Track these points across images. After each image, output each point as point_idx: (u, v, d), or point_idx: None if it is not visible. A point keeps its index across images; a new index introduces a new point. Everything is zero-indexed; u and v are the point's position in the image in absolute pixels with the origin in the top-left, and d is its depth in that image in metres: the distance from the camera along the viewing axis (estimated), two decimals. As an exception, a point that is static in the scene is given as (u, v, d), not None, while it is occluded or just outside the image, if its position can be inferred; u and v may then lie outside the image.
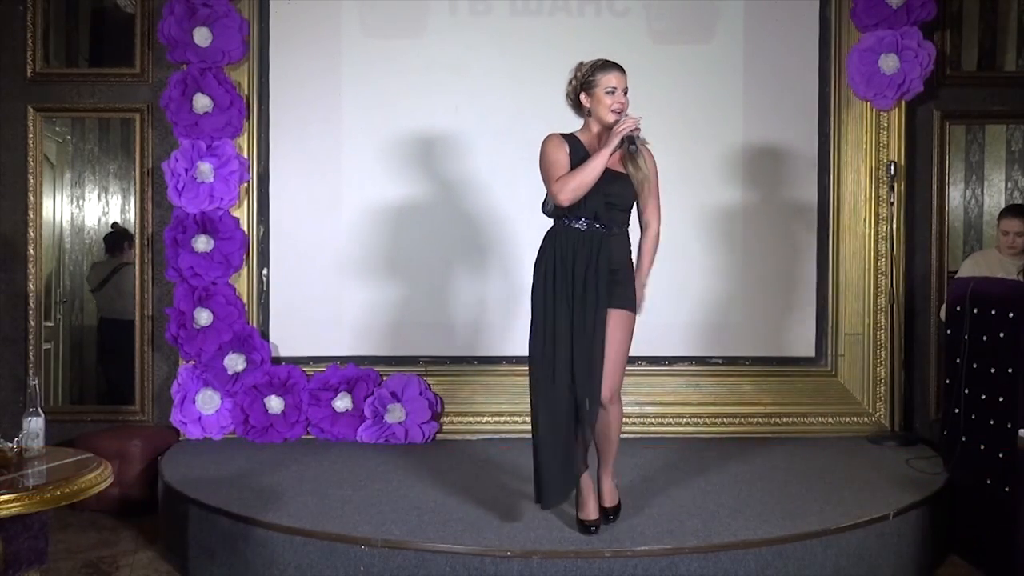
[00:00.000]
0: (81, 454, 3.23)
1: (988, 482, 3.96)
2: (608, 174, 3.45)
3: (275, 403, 5.02)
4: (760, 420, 5.17)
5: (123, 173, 5.38)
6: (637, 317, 3.60)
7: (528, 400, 3.58)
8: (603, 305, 3.47)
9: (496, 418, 5.13)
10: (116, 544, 4.37)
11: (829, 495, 4.04)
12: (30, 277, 5.26)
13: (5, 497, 2.75)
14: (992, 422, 3.95)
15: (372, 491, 4.11)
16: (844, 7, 5.22)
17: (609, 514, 3.71)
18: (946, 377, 4.28)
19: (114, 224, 5.40)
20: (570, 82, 3.58)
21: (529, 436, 3.57)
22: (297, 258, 5.26)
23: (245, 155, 5.16)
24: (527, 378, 3.59)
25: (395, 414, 5.04)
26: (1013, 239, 4.79)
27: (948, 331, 4.26)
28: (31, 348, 5.25)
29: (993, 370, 3.95)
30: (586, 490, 3.61)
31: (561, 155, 3.50)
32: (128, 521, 4.65)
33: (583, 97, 3.54)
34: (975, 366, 4.05)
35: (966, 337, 4.10)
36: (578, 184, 3.42)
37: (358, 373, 5.12)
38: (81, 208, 5.41)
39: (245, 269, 5.19)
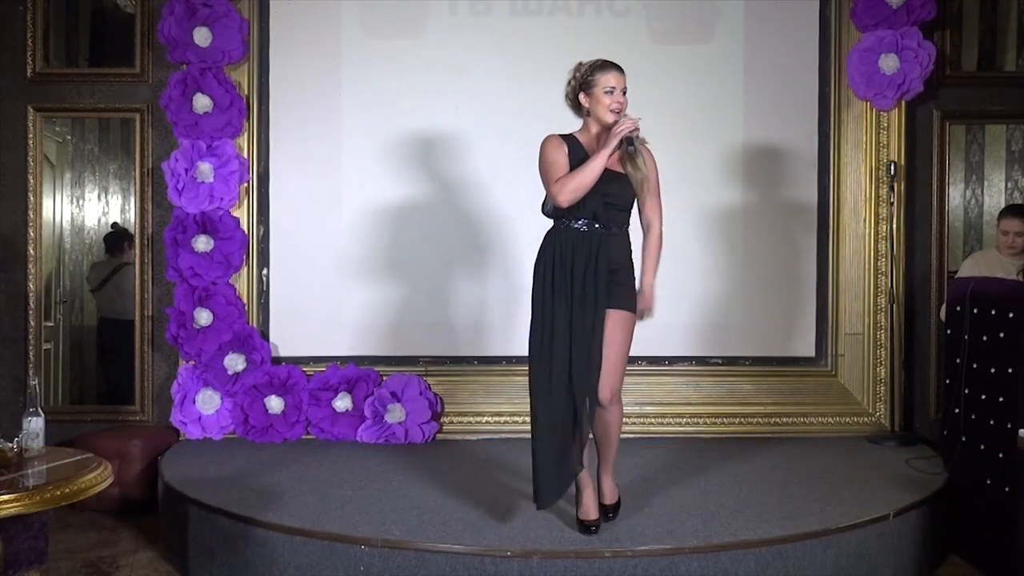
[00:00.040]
0: (81, 454, 3.23)
1: (988, 482, 3.96)
2: (607, 174, 3.45)
3: (275, 403, 5.02)
4: (760, 420, 5.17)
5: (123, 173, 5.38)
6: (648, 319, 3.58)
7: (528, 400, 3.58)
8: (602, 305, 3.47)
9: (496, 418, 5.13)
10: (116, 544, 4.37)
11: (829, 495, 4.04)
12: (30, 277, 5.26)
13: (5, 497, 2.75)
14: (992, 422, 3.95)
15: (372, 491, 4.11)
16: (844, 7, 5.22)
17: (609, 511, 3.73)
18: (946, 377, 4.28)
19: (114, 224, 5.40)
20: (569, 82, 3.58)
21: (529, 436, 3.57)
22: (297, 258, 5.26)
23: (245, 155, 5.16)
24: (527, 378, 3.59)
25: (395, 414, 5.04)
26: (1013, 239, 4.79)
27: (948, 331, 4.26)
28: (31, 348, 5.25)
29: (993, 370, 3.95)
30: (586, 490, 3.62)
31: (560, 156, 3.51)
32: (128, 521, 4.65)
33: (582, 97, 3.54)
34: (975, 366, 4.05)
35: (966, 337, 4.10)
36: (577, 185, 3.42)
37: (358, 373, 5.12)
38: (81, 208, 5.41)
39: (245, 269, 5.19)
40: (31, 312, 5.26)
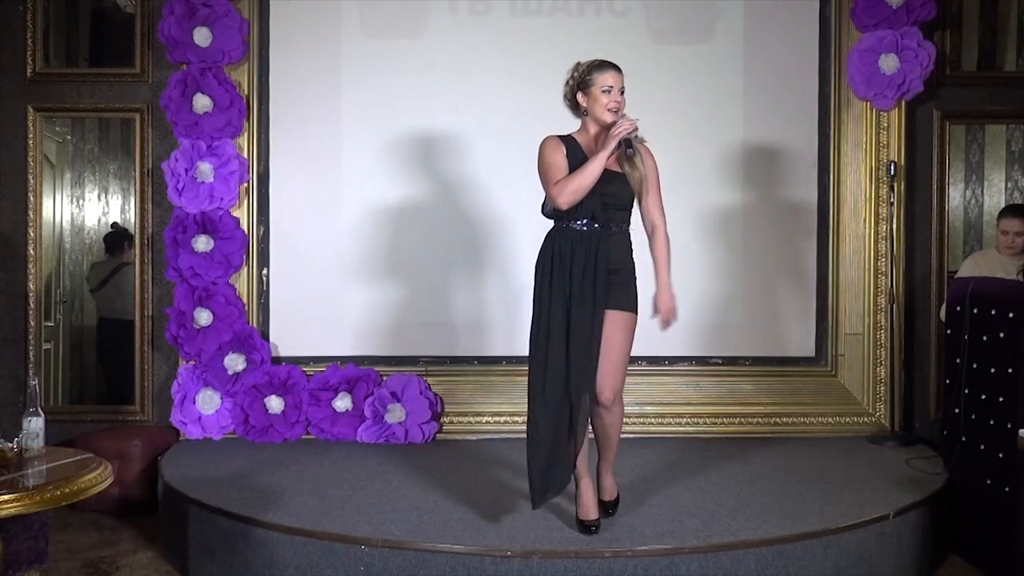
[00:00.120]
0: (81, 454, 3.23)
1: (988, 482, 3.96)
2: (605, 174, 3.44)
3: (275, 403, 5.02)
4: (760, 420, 5.17)
5: (123, 173, 5.38)
6: (673, 323, 3.55)
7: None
8: (600, 305, 3.47)
9: (496, 418, 5.13)
10: (116, 544, 4.37)
11: (829, 495, 4.04)
12: (30, 277, 5.26)
13: (5, 497, 2.75)
14: (992, 422, 3.95)
15: (372, 491, 4.11)
16: (844, 7, 5.22)
17: (608, 508, 3.74)
18: (946, 377, 4.28)
19: (114, 224, 5.40)
20: (567, 82, 3.58)
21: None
22: (297, 258, 5.26)
23: (245, 155, 5.16)
24: (527, 378, 3.59)
25: (395, 414, 5.04)
26: (1012, 239, 4.79)
27: (948, 331, 4.26)
28: (31, 348, 5.25)
29: (993, 370, 3.95)
30: (585, 490, 3.62)
31: (559, 157, 3.51)
32: (128, 521, 4.65)
33: (580, 97, 3.54)
34: (975, 366, 4.05)
35: (966, 337, 4.10)
36: (576, 187, 3.42)
37: (358, 373, 5.12)
38: (81, 208, 5.41)
39: (245, 269, 5.19)
40: (31, 312, 5.26)
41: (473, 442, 5.04)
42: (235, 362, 5.07)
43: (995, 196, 5.45)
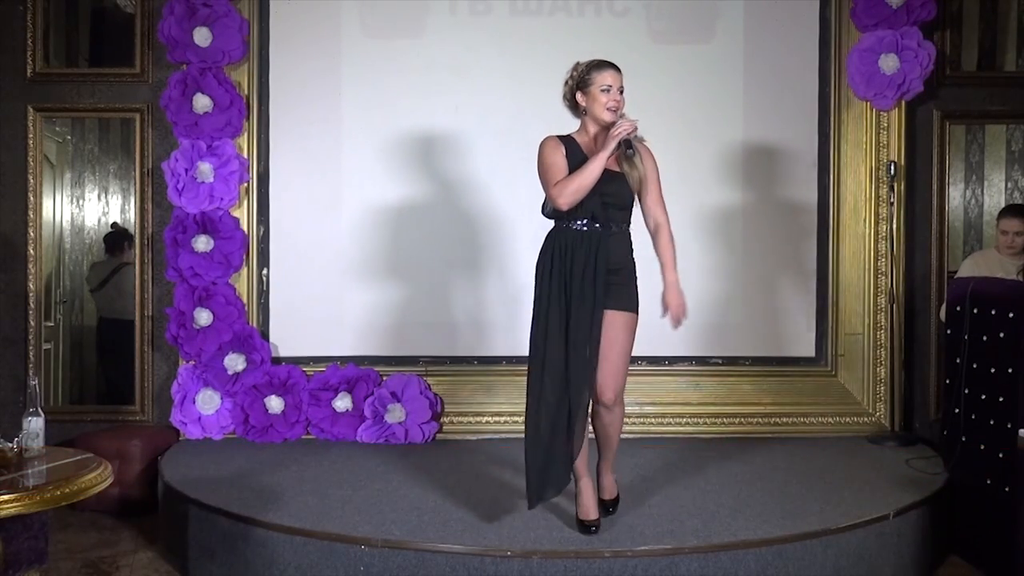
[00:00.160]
0: (81, 454, 3.23)
1: (988, 482, 3.96)
2: (604, 174, 3.44)
3: (275, 403, 5.02)
4: (760, 420, 5.17)
5: (123, 173, 5.38)
6: (684, 321, 3.54)
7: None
8: (599, 305, 3.47)
9: (496, 418, 5.13)
10: (116, 544, 4.37)
11: (829, 495, 4.04)
12: (30, 277, 5.26)
13: (5, 497, 2.75)
14: (992, 422, 3.95)
15: (372, 491, 4.11)
16: (844, 7, 5.22)
17: (608, 506, 3.75)
18: (946, 377, 4.28)
19: (114, 224, 5.40)
20: (566, 82, 3.58)
21: (529, 436, 3.58)
22: (297, 258, 5.26)
23: (245, 155, 5.16)
24: (526, 377, 3.59)
25: (395, 414, 5.04)
26: (1012, 239, 4.79)
27: (948, 331, 4.26)
28: (31, 348, 5.25)
29: (993, 370, 3.95)
30: (585, 490, 3.62)
31: (558, 158, 3.51)
32: (128, 521, 4.65)
33: (579, 96, 3.54)
34: (975, 366, 4.05)
35: (966, 337, 4.10)
36: (577, 188, 3.42)
37: (358, 373, 5.12)
38: (81, 208, 5.41)
39: (245, 269, 5.19)
40: (31, 312, 5.26)
41: (473, 442, 5.04)
42: (235, 362, 5.07)
43: (995, 196, 5.45)
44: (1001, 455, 3.89)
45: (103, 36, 5.45)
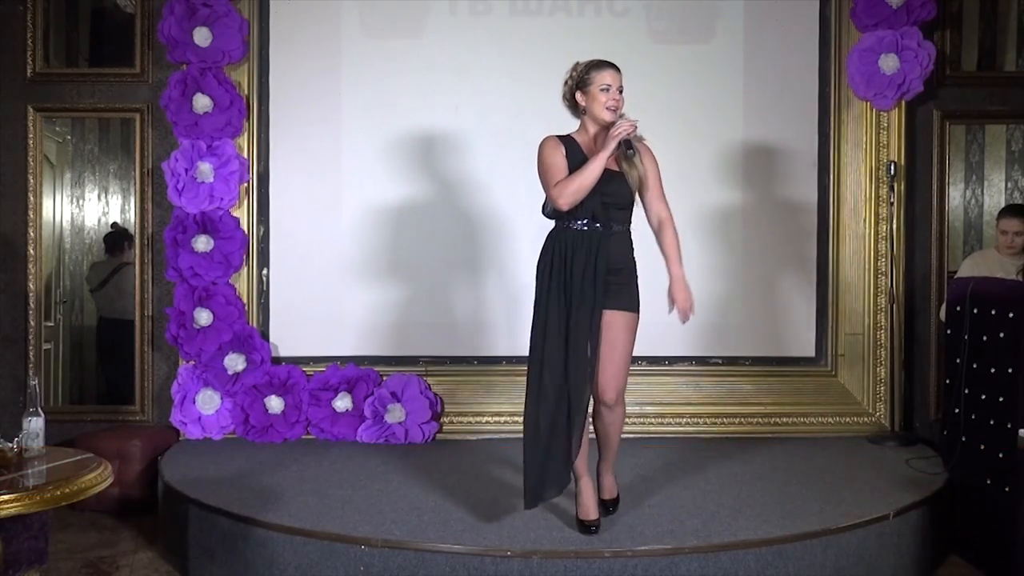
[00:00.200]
0: (81, 454, 3.23)
1: (988, 482, 3.96)
2: (604, 173, 3.44)
3: (275, 403, 5.02)
4: (760, 420, 5.17)
5: (123, 173, 5.38)
6: (692, 315, 3.53)
7: (525, 400, 3.59)
8: (599, 305, 3.47)
9: (496, 418, 5.13)
10: (116, 544, 4.37)
11: (829, 495, 4.04)
12: (30, 277, 5.26)
13: (5, 497, 2.75)
14: (992, 422, 3.95)
15: (372, 491, 4.11)
16: (844, 7, 5.22)
17: (609, 506, 3.75)
18: (946, 377, 4.28)
19: (114, 224, 5.40)
20: (566, 82, 3.58)
21: (529, 437, 3.58)
22: (297, 258, 5.26)
23: (245, 155, 5.16)
24: (526, 376, 3.59)
25: (395, 414, 5.04)
26: (1012, 239, 4.79)
27: (948, 331, 4.26)
28: (31, 348, 5.25)
29: (993, 370, 3.95)
30: (585, 490, 3.62)
31: (558, 158, 3.51)
32: (128, 521, 4.65)
33: (579, 96, 3.54)
34: (975, 366, 4.05)
35: (966, 337, 4.10)
36: (577, 188, 3.42)
37: (358, 373, 5.12)
38: (81, 208, 5.41)
39: (245, 269, 5.19)
40: (31, 312, 5.26)
41: (473, 442, 5.04)
42: (235, 362, 5.07)
43: (995, 196, 5.45)
44: (1001, 455, 3.89)
45: (103, 36, 5.45)
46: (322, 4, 5.26)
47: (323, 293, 5.23)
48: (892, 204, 5.16)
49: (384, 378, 5.15)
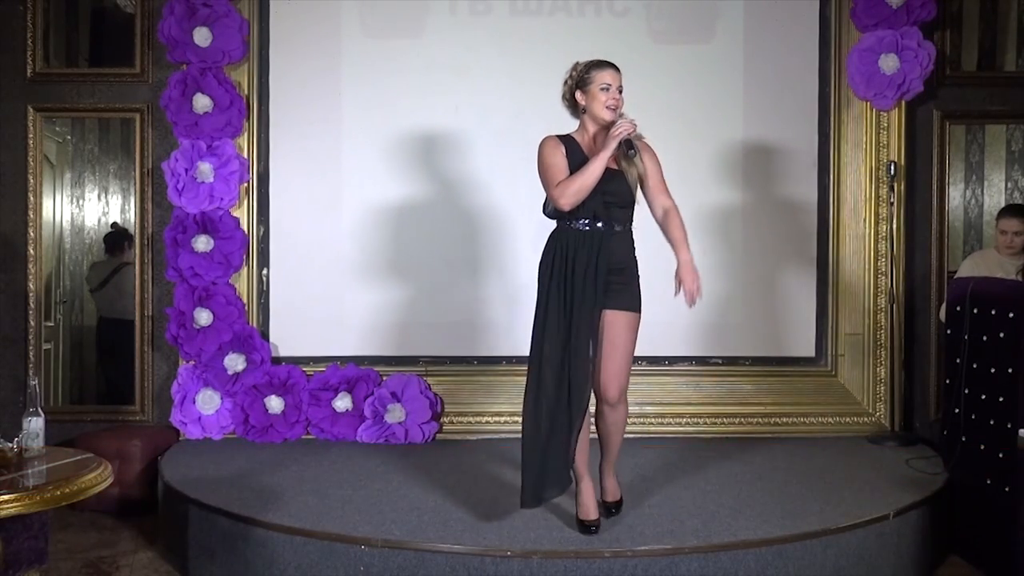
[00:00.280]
0: (81, 454, 3.23)
1: (988, 482, 3.96)
2: (605, 173, 3.45)
3: (275, 403, 5.02)
4: (760, 420, 5.17)
5: (123, 173, 5.38)
6: (698, 301, 3.50)
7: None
8: (599, 305, 3.47)
9: (496, 418, 5.13)
10: (116, 544, 4.37)
11: (829, 495, 4.04)
12: (30, 277, 5.26)
13: (5, 497, 2.75)
14: (992, 422, 3.95)
15: (372, 491, 4.11)
16: (844, 7, 5.22)
17: (611, 508, 3.75)
18: (946, 377, 4.28)
19: (114, 224, 5.40)
20: (566, 82, 3.59)
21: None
22: (297, 258, 5.26)
23: (245, 155, 5.16)
24: (526, 376, 3.59)
25: (395, 414, 5.04)
26: (1011, 239, 4.79)
27: (948, 331, 4.26)
28: (31, 348, 5.25)
29: (993, 370, 3.95)
30: (585, 490, 3.62)
31: (558, 158, 3.51)
32: (128, 521, 4.65)
33: (578, 95, 3.55)
34: (975, 366, 4.05)
35: (966, 337, 4.10)
36: (578, 188, 3.42)
37: (358, 373, 5.12)
38: (81, 208, 5.41)
39: (245, 269, 5.19)
40: (31, 312, 5.26)
41: (473, 442, 5.04)
42: (235, 362, 5.07)
43: (995, 196, 5.45)
44: (1001, 455, 3.89)
45: (103, 36, 5.45)
46: (322, 4, 5.26)
47: (323, 293, 5.23)
48: (892, 204, 5.16)
49: (384, 378, 5.15)
